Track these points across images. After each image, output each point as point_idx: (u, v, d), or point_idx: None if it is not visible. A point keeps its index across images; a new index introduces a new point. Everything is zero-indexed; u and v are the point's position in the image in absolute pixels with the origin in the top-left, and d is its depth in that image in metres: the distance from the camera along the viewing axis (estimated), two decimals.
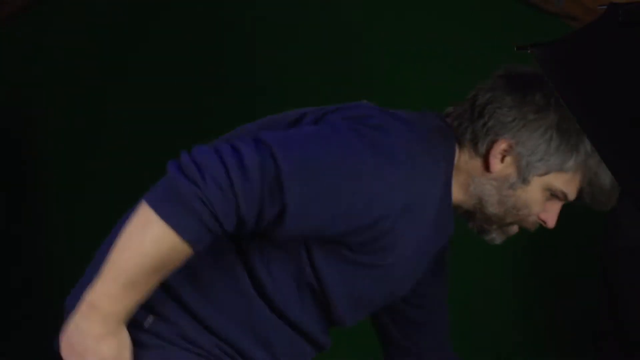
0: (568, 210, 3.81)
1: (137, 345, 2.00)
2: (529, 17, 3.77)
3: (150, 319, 2.04)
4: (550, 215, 2.19)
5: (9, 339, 3.86)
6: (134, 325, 1.99)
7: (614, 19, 1.67)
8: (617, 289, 3.47)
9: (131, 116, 3.86)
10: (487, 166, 2.14)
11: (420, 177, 2.04)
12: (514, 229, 2.22)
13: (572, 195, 2.17)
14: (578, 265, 3.87)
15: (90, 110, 3.86)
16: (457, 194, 2.16)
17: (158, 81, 3.86)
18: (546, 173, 2.13)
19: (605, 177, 2.12)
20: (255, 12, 3.86)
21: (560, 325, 3.93)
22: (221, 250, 2.03)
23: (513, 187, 2.13)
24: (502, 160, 2.13)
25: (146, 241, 1.88)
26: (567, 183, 2.15)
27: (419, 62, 3.81)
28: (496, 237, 2.23)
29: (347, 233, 2.00)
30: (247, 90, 3.87)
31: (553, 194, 2.17)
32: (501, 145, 2.12)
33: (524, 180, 2.14)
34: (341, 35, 3.73)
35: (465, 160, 2.16)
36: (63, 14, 3.83)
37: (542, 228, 2.23)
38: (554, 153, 2.12)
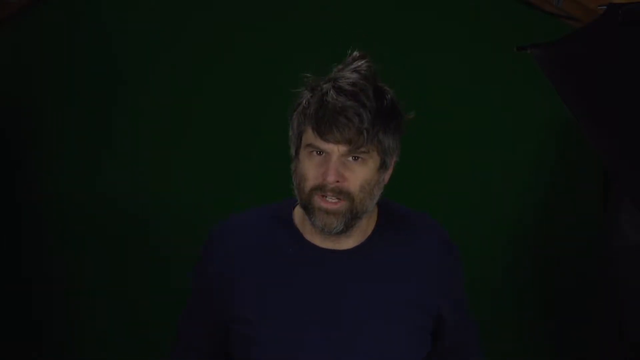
0: (568, 211, 3.81)
1: None
2: (529, 17, 3.78)
3: None
4: None
5: None
6: None
7: (613, 19, 1.67)
8: (617, 289, 3.48)
9: (132, 116, 3.86)
10: None
11: None
12: None
13: None
14: (578, 265, 3.87)
15: (90, 110, 3.86)
16: None
17: (159, 81, 3.86)
18: None
19: None
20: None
21: (560, 325, 3.93)
22: None
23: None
24: None
25: None
26: None
27: (419, 61, 3.81)
28: None
29: None
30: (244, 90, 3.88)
31: None
32: None
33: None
34: (340, 34, 3.73)
35: None
36: (63, 14, 3.83)
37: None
38: None
